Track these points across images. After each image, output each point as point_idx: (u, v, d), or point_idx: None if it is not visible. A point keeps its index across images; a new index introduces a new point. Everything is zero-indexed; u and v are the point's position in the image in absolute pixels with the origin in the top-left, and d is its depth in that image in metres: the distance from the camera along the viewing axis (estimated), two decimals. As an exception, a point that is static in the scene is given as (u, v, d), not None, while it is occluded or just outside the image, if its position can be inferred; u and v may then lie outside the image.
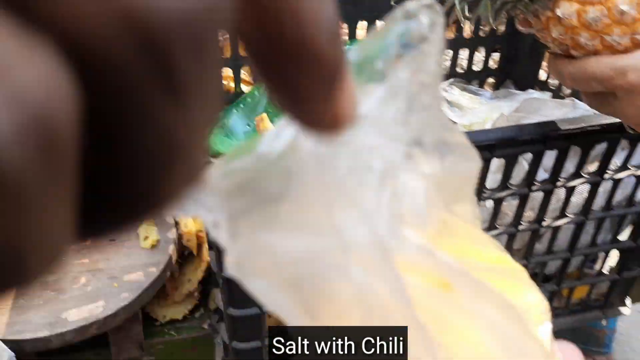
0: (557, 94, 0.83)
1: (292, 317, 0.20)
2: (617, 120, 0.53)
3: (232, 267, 0.19)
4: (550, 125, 0.54)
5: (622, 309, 0.76)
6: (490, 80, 0.95)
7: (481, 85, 0.92)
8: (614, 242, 0.68)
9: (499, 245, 0.25)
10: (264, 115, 0.74)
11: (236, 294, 0.58)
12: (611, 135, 0.55)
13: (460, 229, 0.23)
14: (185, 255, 0.75)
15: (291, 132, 0.18)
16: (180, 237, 0.72)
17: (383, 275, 0.19)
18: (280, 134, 0.18)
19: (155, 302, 0.73)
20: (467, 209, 0.25)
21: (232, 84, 0.86)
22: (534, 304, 0.24)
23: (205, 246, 0.73)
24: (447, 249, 0.21)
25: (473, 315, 0.21)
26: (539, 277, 0.69)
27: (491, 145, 0.51)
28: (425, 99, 0.21)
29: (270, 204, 0.19)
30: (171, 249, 0.68)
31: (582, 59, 0.44)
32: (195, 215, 0.19)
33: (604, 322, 1.55)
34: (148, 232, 0.69)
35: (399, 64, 0.20)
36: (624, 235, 0.69)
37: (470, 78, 0.91)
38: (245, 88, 0.87)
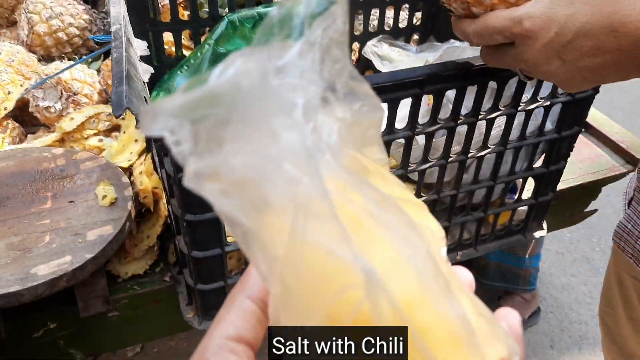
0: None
1: (242, 216, 0.22)
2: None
3: (190, 179, 0.22)
4: (470, 63, 0.61)
5: (539, 232, 0.86)
6: (415, 37, 1.02)
7: (407, 41, 0.99)
8: (530, 170, 0.77)
9: (403, 184, 0.27)
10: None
11: (199, 236, 0.62)
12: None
13: (370, 166, 0.26)
14: (142, 212, 0.79)
15: (233, 70, 0.21)
16: (136, 194, 0.75)
17: (308, 171, 0.22)
18: (224, 71, 0.21)
19: (116, 260, 0.77)
20: (374, 150, 0.28)
21: (174, 49, 0.88)
22: (434, 230, 0.26)
23: (163, 201, 0.76)
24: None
25: (384, 224, 0.23)
26: (468, 207, 0.78)
27: (420, 81, 0.58)
28: (336, 53, 0.24)
29: (220, 126, 0.22)
30: (129, 205, 0.71)
31: (482, 16, 0.51)
32: (160, 135, 0.21)
33: (528, 262, 1.70)
34: (106, 192, 0.72)
35: (313, 22, 0.23)
36: (538, 164, 0.79)
37: (396, 35, 0.98)
38: (185, 52, 0.89)
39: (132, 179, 0.76)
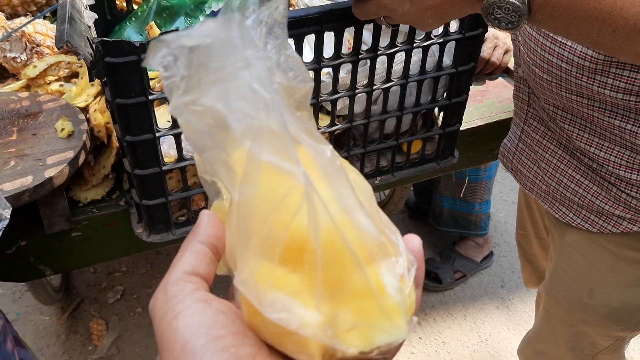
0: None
1: (211, 139, 0.27)
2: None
3: (174, 108, 0.28)
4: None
5: (451, 160, 0.98)
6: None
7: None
8: (434, 102, 0.89)
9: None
10: (152, 24, 0.89)
11: (139, 155, 0.73)
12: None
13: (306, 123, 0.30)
14: (98, 146, 0.90)
15: (208, 29, 0.26)
16: (92, 130, 0.87)
17: (270, 97, 0.26)
18: (203, 29, 0.26)
19: (77, 188, 0.88)
20: (305, 115, 0.33)
21: (124, 4, 0.99)
22: (357, 174, 0.32)
23: (114, 135, 0.88)
24: None
25: (317, 153, 0.28)
26: (381, 136, 0.89)
27: (318, 18, 0.69)
28: (277, 31, 0.29)
29: (199, 72, 0.27)
30: (84, 136, 0.83)
31: None
32: (157, 69, 0.27)
33: (478, 208, 1.83)
34: (64, 126, 0.83)
35: (262, 4, 0.30)
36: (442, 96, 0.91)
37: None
38: (134, 6, 1.00)
39: (87, 116, 0.88)
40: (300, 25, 0.70)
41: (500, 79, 1.20)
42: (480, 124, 1.09)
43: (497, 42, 1.15)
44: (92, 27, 0.77)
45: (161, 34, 0.88)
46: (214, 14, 0.98)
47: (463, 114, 0.93)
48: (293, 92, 0.31)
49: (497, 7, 0.56)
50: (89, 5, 0.80)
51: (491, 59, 1.14)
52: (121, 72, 0.65)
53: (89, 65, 0.65)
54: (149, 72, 0.68)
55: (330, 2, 0.98)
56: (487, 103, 1.14)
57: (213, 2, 0.98)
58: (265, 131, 0.26)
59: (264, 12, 0.29)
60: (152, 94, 0.68)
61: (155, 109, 0.70)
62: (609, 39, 0.54)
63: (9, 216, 0.66)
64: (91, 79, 0.65)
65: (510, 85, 1.18)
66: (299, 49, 0.72)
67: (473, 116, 1.10)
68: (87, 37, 0.69)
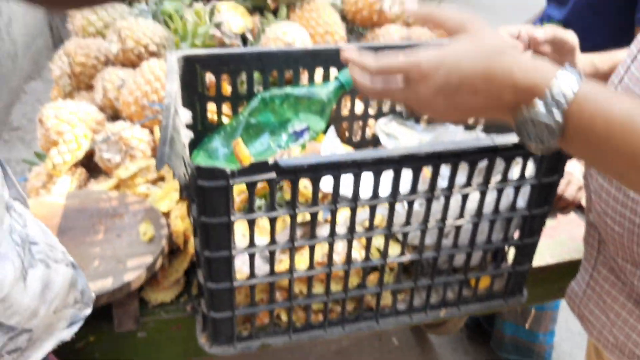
0: (472, 128, 1.05)
1: None
2: (493, 144, 0.75)
3: None
4: (444, 144, 0.75)
5: (519, 299, 0.96)
6: (425, 116, 1.17)
7: (417, 121, 1.14)
8: (505, 241, 0.88)
9: None
10: (239, 140, 0.95)
11: (213, 270, 0.76)
12: (487, 154, 0.77)
13: None
14: (174, 250, 0.94)
15: None
16: (170, 235, 0.91)
17: None
18: None
19: (149, 288, 0.92)
20: None
21: (215, 117, 1.06)
22: None
23: (191, 242, 0.92)
24: None
25: None
26: (450, 269, 0.89)
27: (398, 160, 0.72)
28: None
29: None
30: (164, 242, 0.87)
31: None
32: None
33: (542, 339, 1.75)
34: (147, 229, 0.88)
35: None
36: (515, 236, 0.90)
37: (407, 115, 1.13)
38: (225, 120, 1.07)
39: (168, 221, 0.93)
40: (379, 163, 0.73)
41: (572, 214, 1.18)
42: (550, 261, 1.07)
43: (571, 179, 1.14)
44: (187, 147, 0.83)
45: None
46: (296, 134, 1.03)
47: (534, 254, 0.91)
48: None
49: (531, 123, 0.56)
50: (186, 125, 0.87)
51: (564, 195, 1.13)
52: (209, 195, 0.69)
53: (182, 186, 0.70)
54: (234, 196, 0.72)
55: (410, 134, 1.02)
56: (558, 240, 1.12)
57: (296, 121, 1.04)
58: None
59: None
60: (234, 215, 0.72)
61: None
62: (634, 176, 0.53)
63: (89, 312, 0.70)
64: (181, 196, 0.70)
65: (583, 222, 1.16)
66: (377, 183, 0.75)
67: (543, 253, 1.08)
68: (183, 157, 0.75)
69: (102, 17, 1.31)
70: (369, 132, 1.15)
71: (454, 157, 0.75)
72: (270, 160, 0.69)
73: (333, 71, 1.07)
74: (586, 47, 1.07)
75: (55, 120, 1.06)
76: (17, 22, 3.93)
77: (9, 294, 0.55)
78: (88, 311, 0.70)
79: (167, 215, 0.96)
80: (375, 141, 1.12)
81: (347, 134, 1.15)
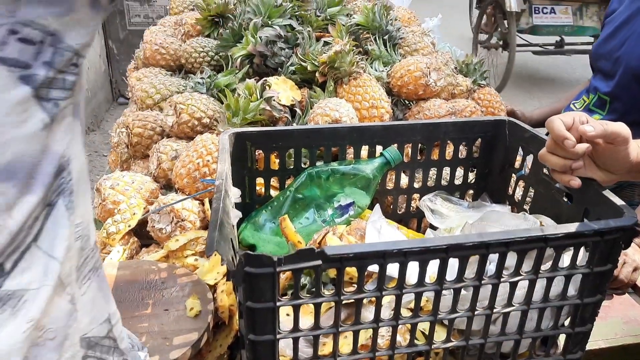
0: (519, 206, 1.04)
1: None
2: (543, 233, 0.74)
3: None
4: (492, 234, 0.75)
5: (573, 387, 0.92)
6: (471, 191, 1.16)
7: (462, 197, 1.14)
8: (555, 329, 0.86)
9: None
10: (286, 217, 0.97)
11: (257, 354, 0.77)
12: (537, 244, 0.75)
13: None
14: (219, 324, 0.95)
15: None
16: (216, 309, 0.93)
17: None
18: None
19: (193, 362, 0.93)
20: None
21: (263, 190, 1.09)
22: None
23: (236, 317, 0.93)
24: None
25: None
26: (497, 355, 0.87)
27: (445, 249, 0.72)
28: None
29: None
30: (209, 318, 0.88)
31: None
32: None
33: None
34: (193, 305, 0.90)
35: None
36: (566, 323, 0.87)
37: (452, 190, 1.13)
38: (273, 192, 1.10)
39: (215, 295, 0.94)
40: (425, 252, 0.73)
41: (627, 295, 1.14)
42: (603, 346, 1.02)
43: (626, 259, 1.10)
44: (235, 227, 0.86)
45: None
46: (341, 208, 1.05)
47: (587, 342, 0.88)
48: None
49: None
50: (235, 203, 0.90)
51: (619, 276, 1.09)
52: (256, 280, 0.71)
53: (230, 272, 0.71)
54: (280, 282, 0.73)
55: (456, 211, 1.02)
56: (611, 322, 1.07)
57: (342, 196, 1.06)
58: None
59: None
60: (279, 301, 0.73)
61: (280, 313, 0.75)
62: None
63: None
64: (228, 278, 0.72)
65: (638, 303, 1.11)
66: (423, 271, 0.75)
67: (595, 336, 1.03)
68: (232, 240, 0.77)
69: (160, 91, 1.39)
70: (413, 205, 1.16)
71: (502, 246, 0.75)
72: (316, 247, 0.70)
73: (378, 148, 1.09)
74: (632, 120, 1.05)
75: (111, 190, 1.11)
76: (79, 79, 4.17)
77: None
78: None
79: (212, 287, 0.98)
80: (419, 214, 1.12)
81: (391, 207, 1.15)
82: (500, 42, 4.99)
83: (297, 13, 1.61)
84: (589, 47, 4.58)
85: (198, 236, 1.06)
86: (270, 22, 1.51)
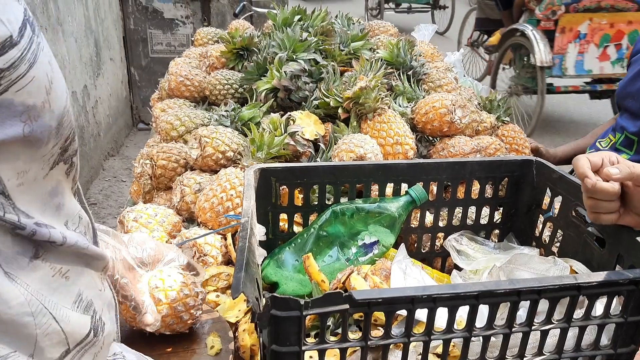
0: (547, 248, 1.02)
1: None
2: (576, 281, 0.72)
3: None
4: (524, 281, 0.73)
5: None
6: (496, 231, 1.14)
7: (487, 236, 1.12)
8: (588, 378, 0.83)
9: None
10: (310, 255, 0.96)
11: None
12: (570, 292, 0.73)
13: None
14: (240, 364, 0.94)
15: None
16: (237, 349, 0.91)
17: None
18: None
19: (212, 402, 0.91)
20: None
21: (287, 226, 1.08)
22: None
23: (257, 358, 0.91)
24: None
25: None
26: (527, 404, 0.84)
27: (475, 295, 0.70)
28: None
29: None
30: (230, 357, 0.87)
31: None
32: None
33: None
34: (214, 343, 0.89)
35: None
36: (598, 373, 0.84)
37: (478, 229, 1.11)
38: (296, 228, 1.09)
39: (236, 334, 0.93)
40: (455, 299, 0.71)
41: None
42: (637, 395, 0.98)
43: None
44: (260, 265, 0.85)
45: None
46: (366, 247, 1.03)
47: (621, 394, 0.85)
48: None
49: None
50: (259, 241, 0.89)
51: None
52: (282, 324, 0.69)
53: (256, 314, 0.70)
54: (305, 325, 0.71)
55: (482, 252, 1.00)
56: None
57: (366, 234, 1.04)
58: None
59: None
60: (305, 344, 0.71)
61: (305, 357, 0.73)
62: None
63: None
64: (253, 320, 0.70)
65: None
66: (452, 317, 0.73)
67: (629, 385, 1.00)
68: (257, 280, 0.76)
69: (185, 123, 1.40)
70: (437, 244, 1.14)
71: (534, 294, 0.73)
72: (340, 287, 0.69)
73: (403, 185, 1.08)
74: None
75: (134, 223, 1.11)
76: (102, 105, 4.25)
77: None
78: None
79: (234, 324, 0.96)
80: (444, 253, 1.10)
81: (415, 246, 1.14)
82: (519, 88, 4.88)
83: (321, 47, 1.63)
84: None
85: (220, 272, 1.05)
86: (294, 57, 1.53)
